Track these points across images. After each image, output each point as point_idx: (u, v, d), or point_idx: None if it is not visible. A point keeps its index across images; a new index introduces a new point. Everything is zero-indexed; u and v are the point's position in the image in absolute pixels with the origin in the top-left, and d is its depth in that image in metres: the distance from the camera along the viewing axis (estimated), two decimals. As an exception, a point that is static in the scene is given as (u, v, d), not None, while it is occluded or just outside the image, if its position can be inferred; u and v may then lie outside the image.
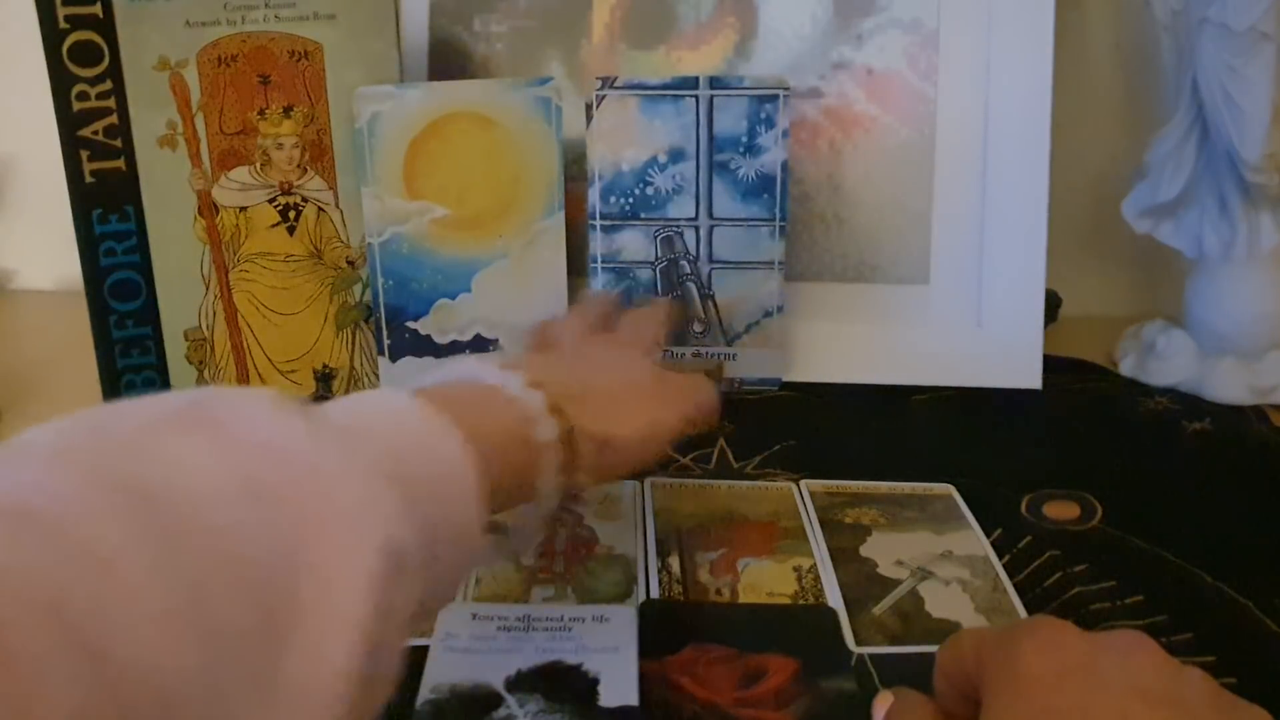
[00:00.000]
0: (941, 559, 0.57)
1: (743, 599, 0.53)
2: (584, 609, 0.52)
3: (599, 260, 0.71)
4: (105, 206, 0.61)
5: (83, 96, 0.59)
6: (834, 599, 0.53)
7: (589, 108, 0.69)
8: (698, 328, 0.72)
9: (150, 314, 0.63)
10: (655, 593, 0.53)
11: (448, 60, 0.78)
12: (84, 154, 0.60)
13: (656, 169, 0.70)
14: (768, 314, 0.71)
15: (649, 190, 0.70)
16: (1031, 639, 0.36)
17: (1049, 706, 0.34)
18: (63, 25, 0.58)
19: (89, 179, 0.60)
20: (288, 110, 0.63)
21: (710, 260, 0.71)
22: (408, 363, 0.68)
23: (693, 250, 0.71)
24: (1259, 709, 0.36)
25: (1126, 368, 0.79)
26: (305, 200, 0.65)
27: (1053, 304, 0.83)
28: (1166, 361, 0.77)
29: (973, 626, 0.51)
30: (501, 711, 0.45)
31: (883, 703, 0.42)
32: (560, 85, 0.68)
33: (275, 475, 0.31)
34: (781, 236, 0.70)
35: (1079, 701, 0.34)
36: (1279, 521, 0.61)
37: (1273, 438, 0.70)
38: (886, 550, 0.57)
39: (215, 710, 0.28)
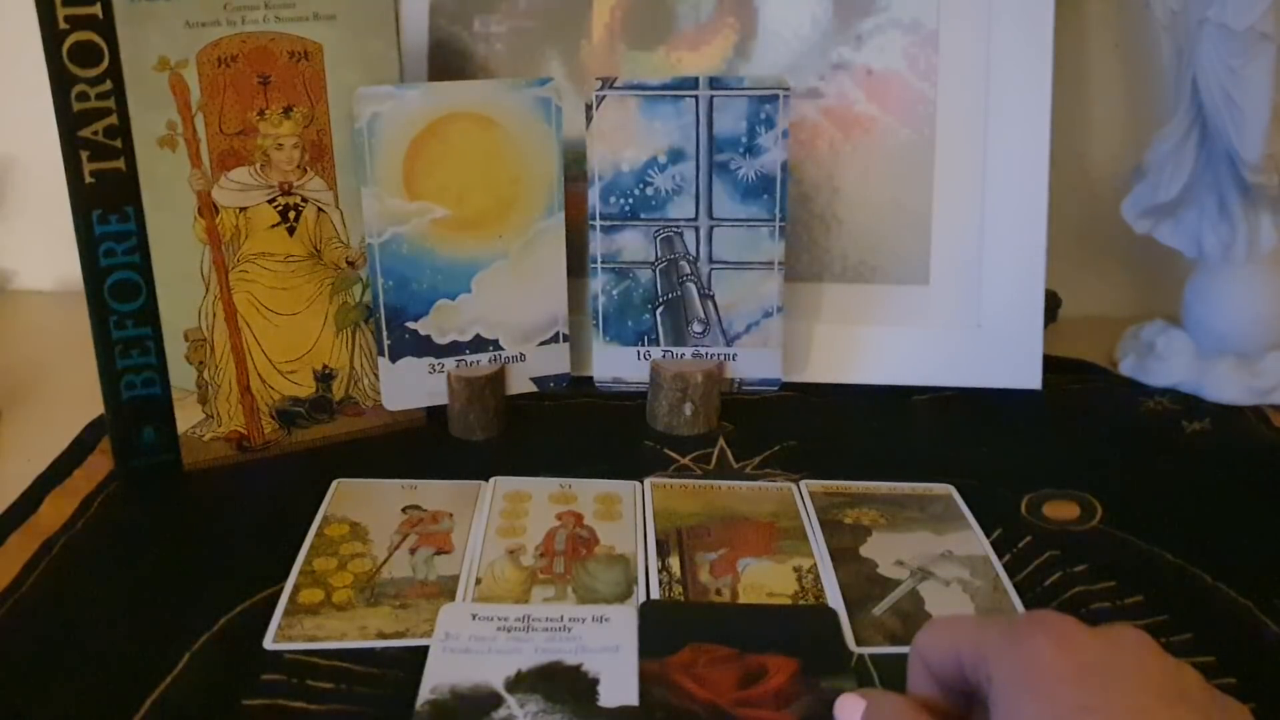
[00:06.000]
0: (941, 559, 0.57)
1: (743, 599, 0.53)
2: (584, 609, 0.52)
3: (599, 260, 0.71)
4: (105, 207, 0.61)
5: (83, 97, 0.59)
6: (834, 599, 0.53)
7: (589, 108, 0.69)
8: (698, 328, 0.72)
9: (150, 314, 0.63)
10: (655, 593, 0.53)
11: (448, 60, 0.78)
12: (84, 154, 0.59)
13: (656, 169, 0.70)
14: (768, 314, 0.71)
15: (649, 190, 0.70)
16: (1046, 635, 0.36)
17: (1077, 705, 0.34)
18: (63, 25, 0.58)
19: (89, 179, 0.60)
20: (288, 111, 0.63)
21: (710, 260, 0.71)
22: (408, 363, 0.68)
23: (693, 250, 0.71)
24: (1239, 703, 0.36)
25: (1126, 368, 0.79)
26: (305, 201, 0.65)
27: (1053, 304, 0.83)
28: (1166, 362, 0.77)
29: (949, 615, 0.51)
30: (501, 711, 0.45)
31: (852, 706, 0.42)
32: (560, 85, 0.67)
33: None
34: (781, 237, 0.70)
35: (1104, 700, 0.34)
36: (1279, 521, 0.61)
37: (1272, 438, 0.70)
38: (886, 550, 0.57)
39: None
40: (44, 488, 0.63)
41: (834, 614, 0.52)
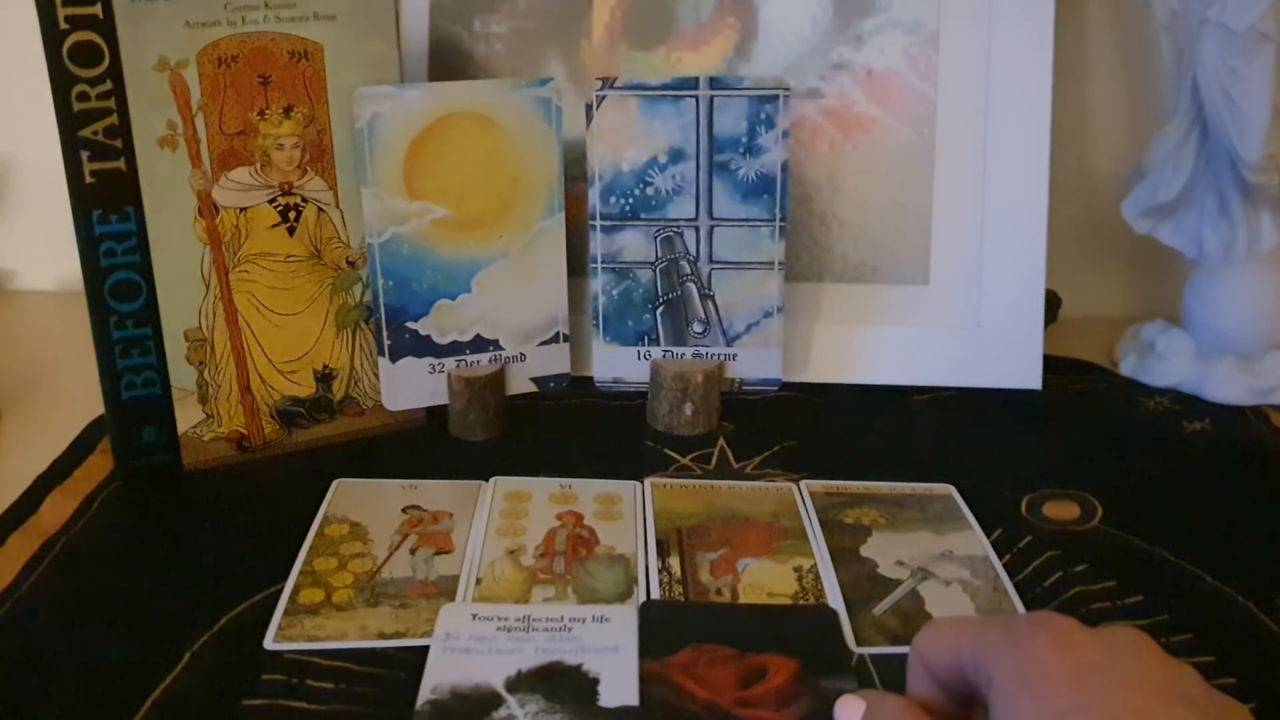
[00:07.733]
0: (941, 559, 0.57)
1: (743, 599, 0.53)
2: (584, 609, 0.52)
3: (599, 260, 0.71)
4: (105, 207, 0.61)
5: (83, 97, 0.59)
6: (834, 599, 0.53)
7: (589, 108, 0.69)
8: (698, 328, 0.72)
9: (150, 314, 0.63)
10: (655, 593, 0.53)
11: (448, 60, 0.78)
12: (84, 154, 0.59)
13: (656, 169, 0.70)
14: (768, 314, 0.71)
15: (649, 190, 0.70)
16: (1045, 636, 0.36)
17: (1077, 705, 0.34)
18: (63, 25, 0.58)
19: (89, 179, 0.60)
20: (288, 111, 0.63)
21: (710, 260, 0.71)
22: (408, 363, 0.68)
23: (693, 250, 0.71)
24: (1239, 704, 0.36)
25: (1126, 368, 0.79)
26: (305, 201, 0.65)
27: (1053, 304, 0.83)
28: (1166, 362, 0.77)
29: (949, 616, 0.51)
30: (501, 712, 0.45)
31: (852, 706, 0.42)
32: (560, 85, 0.68)
33: None
34: (781, 236, 0.70)
35: (1103, 701, 0.34)
36: (1279, 521, 0.61)
37: (1272, 438, 0.70)
38: (886, 550, 0.57)
39: None
40: (44, 488, 0.63)
41: (834, 614, 0.52)
